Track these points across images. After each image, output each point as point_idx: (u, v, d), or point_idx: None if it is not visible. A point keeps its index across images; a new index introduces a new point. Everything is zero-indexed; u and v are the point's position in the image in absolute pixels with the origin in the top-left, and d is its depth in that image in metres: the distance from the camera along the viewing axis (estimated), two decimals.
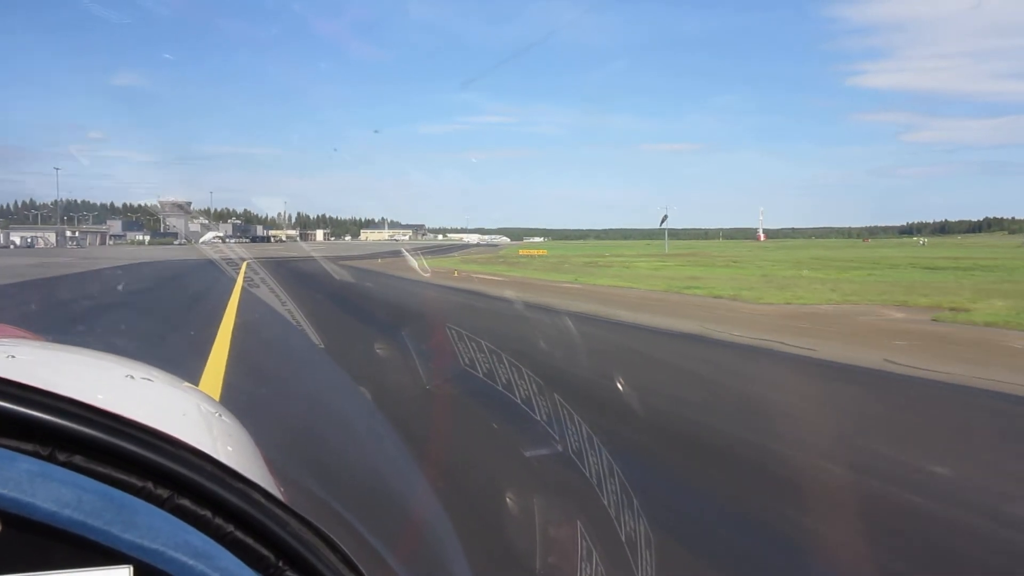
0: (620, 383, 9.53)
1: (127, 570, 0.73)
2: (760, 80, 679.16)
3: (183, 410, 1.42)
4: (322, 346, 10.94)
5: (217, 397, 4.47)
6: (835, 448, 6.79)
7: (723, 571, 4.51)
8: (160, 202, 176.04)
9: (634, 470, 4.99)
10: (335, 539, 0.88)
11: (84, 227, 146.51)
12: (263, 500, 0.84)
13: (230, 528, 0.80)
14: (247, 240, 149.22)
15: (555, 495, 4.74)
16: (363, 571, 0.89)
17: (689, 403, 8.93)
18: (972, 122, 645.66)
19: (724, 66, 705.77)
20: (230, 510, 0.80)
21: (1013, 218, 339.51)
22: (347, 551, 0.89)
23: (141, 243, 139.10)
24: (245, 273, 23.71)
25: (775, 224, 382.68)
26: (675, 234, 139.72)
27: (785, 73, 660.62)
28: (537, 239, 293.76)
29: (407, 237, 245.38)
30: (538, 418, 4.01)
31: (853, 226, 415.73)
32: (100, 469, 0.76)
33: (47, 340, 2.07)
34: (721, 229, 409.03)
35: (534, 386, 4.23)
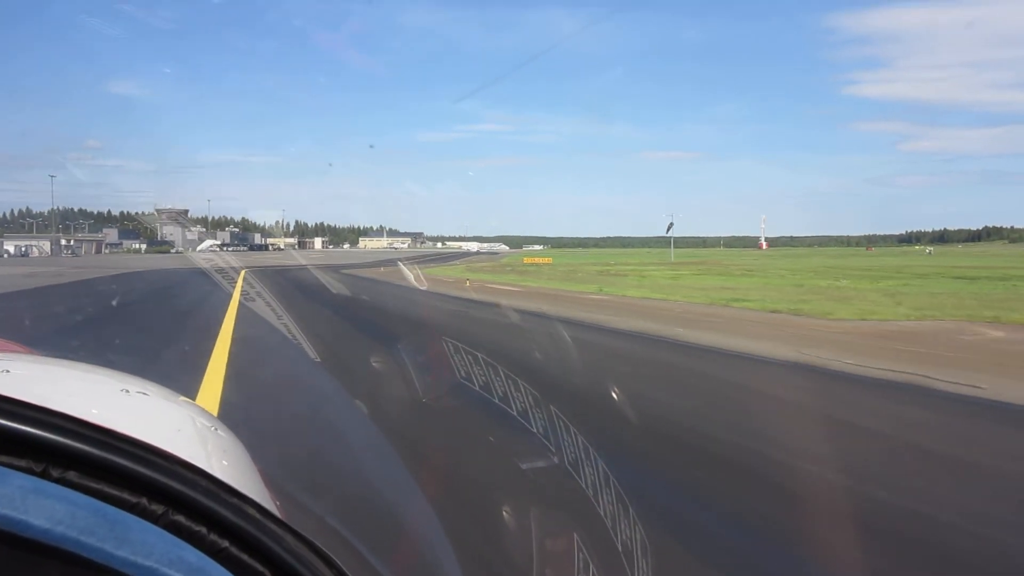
0: (775, 447, 7.13)
1: None
2: (758, 89, 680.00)
3: (178, 425, 1.43)
4: (365, 409, 8.52)
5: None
6: None
7: None
8: (157, 210, 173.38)
9: None
10: (331, 555, 0.87)
11: (80, 236, 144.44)
12: (258, 515, 0.82)
13: (225, 544, 0.78)
14: (245, 249, 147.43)
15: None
16: None
17: (888, 484, 6.17)
18: (970, 131, 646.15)
19: (722, 75, 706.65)
20: (225, 526, 0.79)
21: (1012, 227, 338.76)
22: (343, 567, 0.88)
23: (138, 252, 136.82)
24: (242, 288, 21.35)
25: (773, 232, 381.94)
26: (677, 242, 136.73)
27: (782, 82, 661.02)
28: (536, 247, 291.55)
29: (406, 245, 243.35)
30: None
31: (851, 235, 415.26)
32: (94, 485, 0.75)
33: (41, 354, 2.08)
34: (721, 237, 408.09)
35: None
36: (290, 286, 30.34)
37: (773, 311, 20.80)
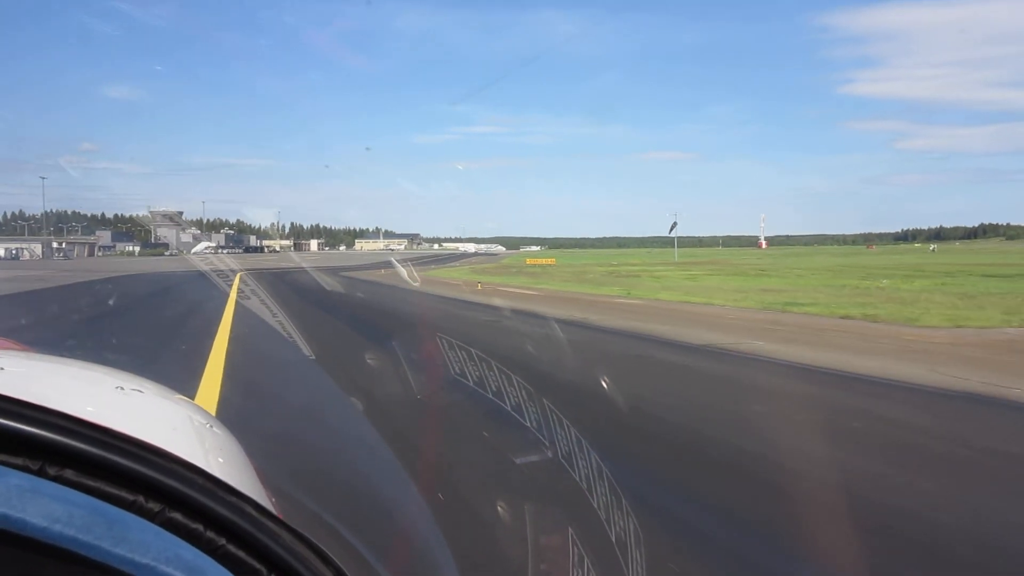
0: None
1: None
2: (753, 90, 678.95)
3: (174, 422, 1.42)
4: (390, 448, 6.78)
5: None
6: None
7: None
8: (151, 212, 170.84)
9: None
10: (327, 552, 0.87)
11: (72, 238, 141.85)
12: (255, 513, 0.82)
13: (222, 541, 0.78)
14: (240, 251, 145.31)
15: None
16: None
17: None
18: (965, 129, 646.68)
19: (716, 76, 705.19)
20: (222, 523, 0.79)
21: (1008, 224, 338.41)
22: (339, 564, 0.87)
23: (131, 254, 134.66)
24: (237, 295, 19.27)
25: (770, 232, 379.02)
26: (671, 242, 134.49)
27: (778, 82, 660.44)
28: (534, 248, 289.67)
29: (402, 247, 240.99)
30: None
31: (847, 233, 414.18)
32: (91, 483, 0.75)
33: (36, 352, 2.06)
34: (718, 237, 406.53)
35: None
36: (304, 295, 28.01)
37: (844, 317, 18.53)
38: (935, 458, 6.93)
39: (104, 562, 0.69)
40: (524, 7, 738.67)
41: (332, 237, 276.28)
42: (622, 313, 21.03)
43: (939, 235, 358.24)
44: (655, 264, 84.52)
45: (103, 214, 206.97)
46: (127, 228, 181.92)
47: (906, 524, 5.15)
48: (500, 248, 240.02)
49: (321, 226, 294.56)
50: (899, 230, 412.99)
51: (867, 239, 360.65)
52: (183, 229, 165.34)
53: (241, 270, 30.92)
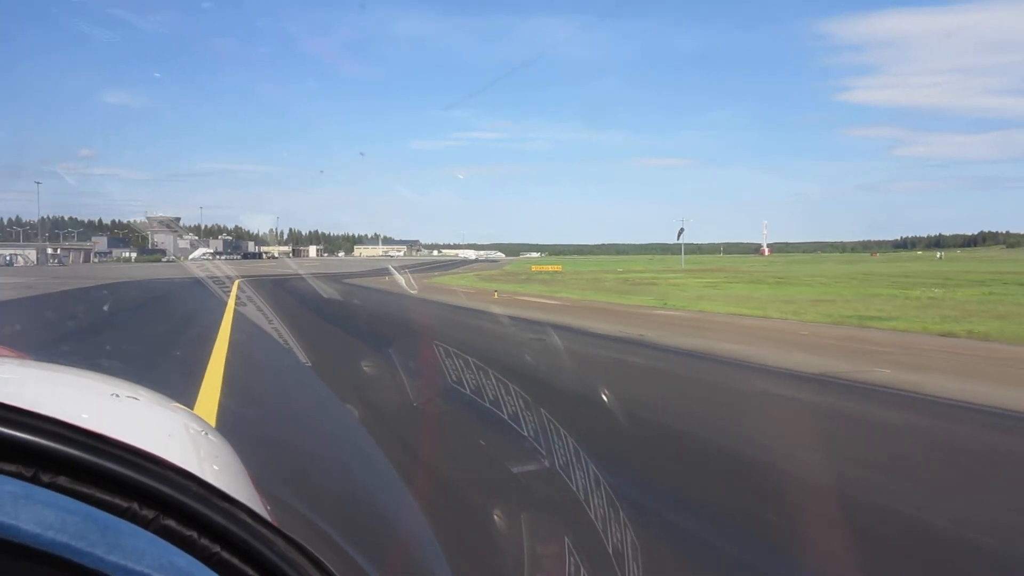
0: None
1: None
2: (752, 96, 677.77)
3: (169, 430, 1.40)
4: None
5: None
6: None
7: None
8: (148, 218, 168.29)
9: None
10: (322, 559, 0.86)
11: (68, 244, 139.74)
12: (249, 520, 0.82)
13: (216, 549, 0.78)
14: (238, 257, 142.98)
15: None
16: None
17: None
18: (964, 137, 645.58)
19: (716, 83, 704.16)
20: (216, 530, 0.78)
21: (1008, 232, 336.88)
22: (334, 571, 0.87)
23: (127, 260, 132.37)
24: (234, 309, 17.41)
25: (769, 238, 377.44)
26: (672, 249, 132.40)
27: (776, 89, 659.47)
28: (534, 254, 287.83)
29: (401, 253, 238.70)
30: None
31: (847, 240, 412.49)
32: (84, 490, 0.74)
33: (31, 358, 2.05)
34: (719, 244, 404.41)
35: None
36: (309, 305, 25.60)
37: (944, 334, 16.06)
38: None
39: (97, 569, 0.69)
40: (523, 13, 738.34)
41: (331, 243, 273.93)
42: (675, 328, 18.57)
43: (938, 243, 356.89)
44: (664, 271, 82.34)
45: (100, 220, 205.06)
46: (124, 234, 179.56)
47: None
48: (500, 255, 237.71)
49: (320, 232, 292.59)
50: (898, 237, 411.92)
51: (867, 246, 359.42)
52: (180, 235, 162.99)
53: (239, 277, 29.18)
